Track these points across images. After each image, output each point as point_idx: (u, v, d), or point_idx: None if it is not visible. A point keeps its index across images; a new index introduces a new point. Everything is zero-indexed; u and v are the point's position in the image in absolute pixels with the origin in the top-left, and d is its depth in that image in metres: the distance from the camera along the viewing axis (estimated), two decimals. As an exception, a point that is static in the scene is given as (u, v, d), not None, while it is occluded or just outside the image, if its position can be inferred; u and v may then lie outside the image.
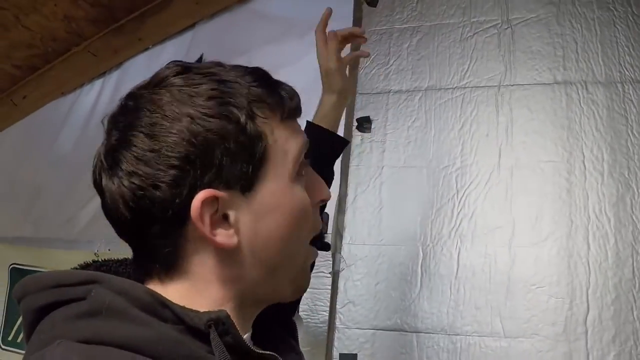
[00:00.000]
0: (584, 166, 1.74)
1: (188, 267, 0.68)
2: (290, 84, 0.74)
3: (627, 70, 1.77)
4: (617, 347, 1.58)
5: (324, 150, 1.25)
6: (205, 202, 0.63)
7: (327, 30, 1.30)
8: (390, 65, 2.05)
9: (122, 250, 0.74)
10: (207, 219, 0.64)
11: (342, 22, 2.15)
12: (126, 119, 0.66)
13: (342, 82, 1.29)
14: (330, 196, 0.81)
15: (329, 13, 1.31)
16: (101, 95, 2.70)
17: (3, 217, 2.81)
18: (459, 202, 1.84)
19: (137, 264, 0.71)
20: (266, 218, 0.69)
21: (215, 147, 0.64)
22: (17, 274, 2.70)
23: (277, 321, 0.85)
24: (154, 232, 0.66)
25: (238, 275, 0.69)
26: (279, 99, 0.70)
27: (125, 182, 0.64)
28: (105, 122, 0.69)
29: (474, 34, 1.98)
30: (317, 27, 1.29)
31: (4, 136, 2.93)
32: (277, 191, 0.69)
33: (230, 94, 0.66)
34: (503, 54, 1.92)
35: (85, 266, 0.72)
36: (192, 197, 0.63)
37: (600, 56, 1.81)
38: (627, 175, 1.70)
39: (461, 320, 1.73)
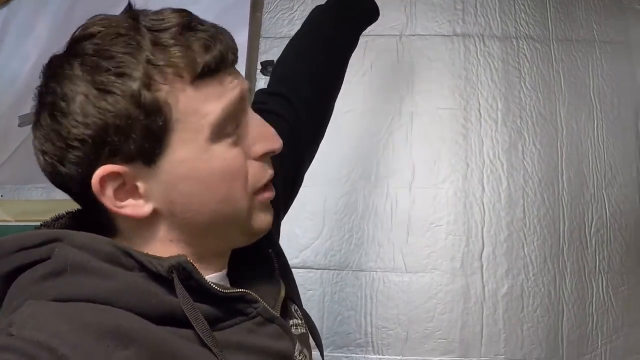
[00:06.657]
0: (480, 114, 1.84)
1: (125, 230, 0.69)
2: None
3: (522, 27, 1.89)
4: (510, 280, 1.70)
5: (356, 14, 1.15)
6: (105, 178, 0.63)
7: None
8: (295, 11, 2.02)
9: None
10: (109, 193, 0.64)
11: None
12: (39, 94, 0.65)
13: None
14: (278, 146, 0.71)
15: None
16: None
17: None
18: (361, 146, 1.88)
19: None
20: (180, 186, 0.65)
21: (108, 127, 0.61)
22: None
23: (255, 256, 0.80)
24: (81, 203, 0.69)
25: (173, 237, 0.69)
26: (188, 57, 0.63)
27: (40, 158, 0.65)
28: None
29: (378, -17, 2.00)
30: None
31: None
32: (188, 159, 0.64)
33: (126, 62, 0.61)
34: (405, 5, 1.97)
35: (56, 219, 0.71)
36: (92, 174, 0.62)
37: (497, 12, 1.91)
38: (519, 124, 1.82)
39: (365, 257, 1.77)
